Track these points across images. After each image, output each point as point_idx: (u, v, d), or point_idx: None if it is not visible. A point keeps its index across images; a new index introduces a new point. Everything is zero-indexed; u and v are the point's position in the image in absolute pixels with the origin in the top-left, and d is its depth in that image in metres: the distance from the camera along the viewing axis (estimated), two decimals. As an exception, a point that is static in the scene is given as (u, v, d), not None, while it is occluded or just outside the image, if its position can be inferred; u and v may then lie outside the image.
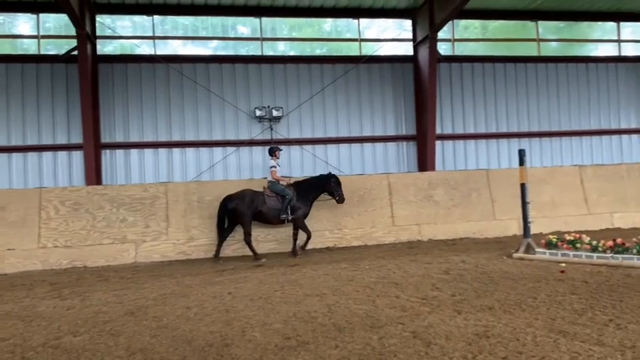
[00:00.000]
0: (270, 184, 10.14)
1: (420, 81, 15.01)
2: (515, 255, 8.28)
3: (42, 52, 13.93)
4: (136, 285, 7.36)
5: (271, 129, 14.59)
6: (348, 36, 15.73)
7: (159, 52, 14.48)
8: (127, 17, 14.62)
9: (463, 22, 16.25)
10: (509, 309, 4.88)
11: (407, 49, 15.60)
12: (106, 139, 14.08)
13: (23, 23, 14.20)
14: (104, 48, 14.41)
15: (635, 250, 7.07)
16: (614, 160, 16.34)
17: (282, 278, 7.25)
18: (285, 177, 10.75)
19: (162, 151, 14.37)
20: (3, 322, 5.39)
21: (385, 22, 15.84)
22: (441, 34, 14.87)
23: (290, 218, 9.94)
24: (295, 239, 10.15)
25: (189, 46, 15.06)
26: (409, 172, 14.56)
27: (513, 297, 5.39)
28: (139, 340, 4.46)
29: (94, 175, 13.25)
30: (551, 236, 8.35)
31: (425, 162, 14.78)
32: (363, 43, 15.60)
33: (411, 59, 15.41)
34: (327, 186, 10.31)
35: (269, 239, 10.77)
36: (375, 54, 15.16)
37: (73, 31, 12.93)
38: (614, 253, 7.25)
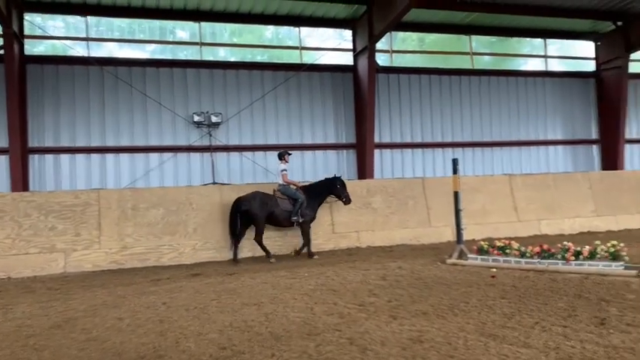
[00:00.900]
0: (282, 187, 10.32)
1: (359, 90, 15.26)
2: (448, 261, 8.52)
3: (-36, 50, 13.14)
4: (65, 296, 7.02)
5: (210, 135, 14.37)
6: (290, 44, 15.78)
7: (93, 54, 13.98)
8: (59, 17, 14.03)
9: (401, 34, 16.68)
10: (442, 314, 5.02)
11: (347, 58, 15.83)
12: (34, 144, 13.41)
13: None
14: (34, 48, 13.76)
15: (560, 256, 7.44)
16: (541, 170, 17.19)
17: (220, 287, 7.13)
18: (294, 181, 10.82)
19: (95, 156, 13.83)
20: None
21: (326, 31, 16.02)
22: (379, 45, 15.21)
23: (301, 220, 10.17)
24: (307, 241, 10.31)
25: (125, 48, 14.63)
26: (348, 180, 14.65)
27: (447, 302, 5.54)
28: (66, 354, 4.25)
29: (20, 180, 12.57)
30: (482, 242, 8.65)
31: (364, 170, 15.01)
32: (304, 52, 15.69)
33: (351, 69, 15.64)
34: (333, 189, 10.59)
35: (207, 247, 10.56)
36: (315, 62, 15.28)
37: (-2, 30, 12.29)
38: (541, 259, 7.60)
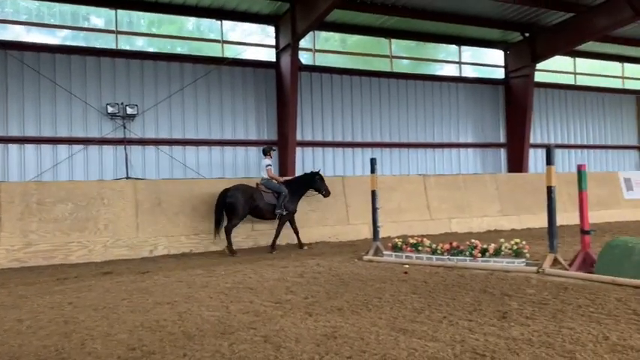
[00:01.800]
0: (265, 181, 10.63)
1: (281, 88, 15.24)
2: (365, 257, 8.73)
3: None
4: (-43, 297, 6.47)
5: (124, 127, 13.77)
6: (212, 37, 15.46)
7: (-5, 37, 12.98)
8: (-45, -6, 12.90)
9: (324, 34, 16.84)
10: (356, 309, 5.12)
11: (270, 55, 15.75)
12: None
13: None
14: None
15: (468, 253, 7.84)
16: (453, 171, 18.02)
17: (131, 286, 6.86)
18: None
19: (-5, 146, 12.87)
20: None
21: (250, 26, 15.85)
22: (303, 44, 15.26)
23: (285, 213, 10.48)
24: (277, 235, 10.59)
25: (34, 33, 13.69)
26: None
27: (361, 298, 5.67)
28: (-45, 360, 3.92)
29: None
30: (397, 240, 8.93)
31: (285, 167, 15.01)
32: (226, 46, 15.43)
33: (274, 65, 15.57)
34: (313, 183, 10.94)
35: (119, 245, 10.13)
36: (238, 57, 15.07)
37: None
38: (451, 256, 7.97)
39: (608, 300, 5.22)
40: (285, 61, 14.89)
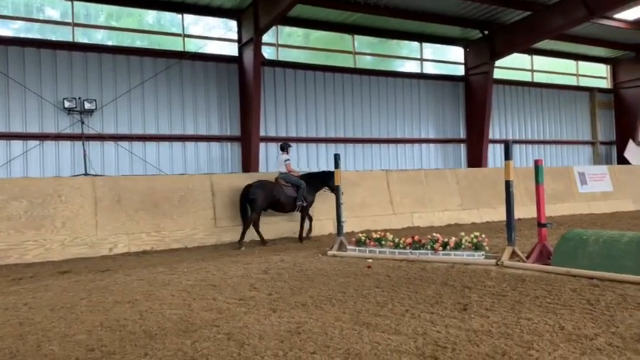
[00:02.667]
0: (284, 175, 11.07)
1: (244, 82, 15.10)
2: (329, 253, 8.77)
3: None
4: None
5: (82, 122, 13.39)
6: (173, 30, 15.17)
7: (-58, 27, 12.41)
8: None
9: (287, 29, 16.77)
10: (320, 305, 5.14)
11: (233, 49, 15.59)
12: None
13: None
14: None
15: (429, 247, 7.97)
16: (415, 166, 18.25)
17: (91, 285, 6.70)
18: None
19: (-56, 142, 12.33)
20: None
21: (212, 20, 15.62)
22: (266, 38, 15.15)
23: (305, 204, 11.01)
24: (302, 227, 11.16)
25: (-18, 23, 13.15)
26: (233, 173, 14.56)
27: (325, 293, 5.69)
28: None
29: None
30: (360, 234, 9.00)
31: (249, 163, 14.91)
32: (188, 40, 15.18)
33: (237, 60, 15.42)
34: (328, 180, 11.09)
35: (77, 243, 9.86)
36: (199, 51, 14.84)
37: None
38: (413, 249, 8.09)
39: (564, 291, 5.40)
40: (248, 55, 14.76)
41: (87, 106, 13.31)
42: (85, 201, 10.13)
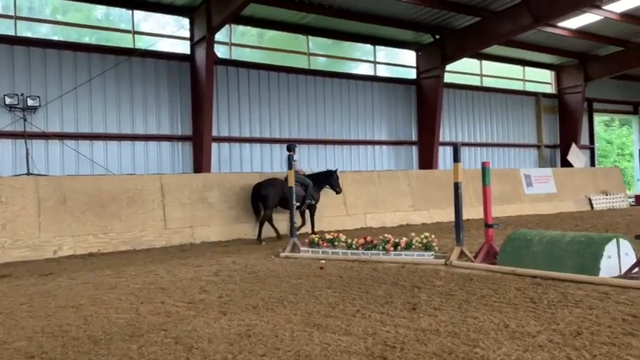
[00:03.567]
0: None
1: (196, 81, 14.84)
2: (282, 254, 8.73)
3: None
4: None
5: (25, 120, 12.81)
6: (122, 27, 14.76)
7: None
8: None
9: (241, 28, 16.61)
10: (272, 307, 5.11)
11: (185, 47, 15.30)
12: None
13: None
14: None
15: (381, 247, 8.07)
16: (369, 167, 18.44)
17: (32, 290, 6.43)
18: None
19: None
20: None
21: (163, 17, 15.29)
22: (219, 37, 14.95)
23: (313, 202, 11.84)
24: (313, 221, 11.97)
25: None
26: (184, 173, 14.29)
27: (277, 295, 5.66)
28: None
29: None
30: (314, 235, 9.02)
31: (200, 163, 14.66)
32: (138, 37, 14.79)
33: (189, 58, 15.14)
34: (331, 179, 12.24)
35: (19, 246, 9.45)
36: (150, 49, 14.49)
37: None
38: (365, 250, 8.18)
39: (509, 289, 5.56)
40: (201, 54, 14.53)
41: (30, 102, 12.76)
42: (27, 202, 9.74)
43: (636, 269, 5.84)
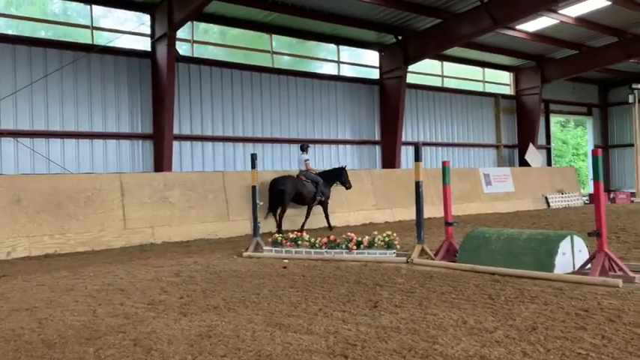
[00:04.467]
0: (305, 172, 12.60)
1: (157, 79, 14.57)
2: (245, 254, 8.68)
3: None
4: None
5: (-23, 117, 12.35)
6: (81, 22, 14.36)
7: None
8: None
9: (203, 25, 16.41)
10: (233, 307, 5.07)
11: (145, 44, 15.00)
12: None
13: None
14: None
15: (344, 246, 8.12)
16: (332, 166, 18.43)
17: (-17, 293, 6.20)
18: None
19: None
20: None
21: (124, 13, 14.95)
22: (180, 34, 14.73)
23: (324, 199, 12.60)
24: (327, 216, 12.86)
25: None
26: (144, 172, 14.02)
27: (239, 295, 5.63)
28: None
29: None
30: (277, 235, 9.00)
31: (161, 162, 14.40)
32: (97, 32, 14.41)
33: (150, 55, 14.86)
34: (340, 176, 12.97)
35: (-31, 247, 9.11)
36: (109, 45, 14.15)
37: None
38: (328, 249, 8.21)
39: (468, 286, 5.68)
40: (162, 51, 14.27)
41: (-19, 99, 12.29)
42: (-22, 202, 9.37)
43: (589, 265, 6.05)
